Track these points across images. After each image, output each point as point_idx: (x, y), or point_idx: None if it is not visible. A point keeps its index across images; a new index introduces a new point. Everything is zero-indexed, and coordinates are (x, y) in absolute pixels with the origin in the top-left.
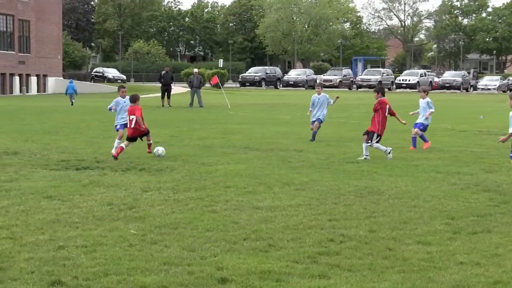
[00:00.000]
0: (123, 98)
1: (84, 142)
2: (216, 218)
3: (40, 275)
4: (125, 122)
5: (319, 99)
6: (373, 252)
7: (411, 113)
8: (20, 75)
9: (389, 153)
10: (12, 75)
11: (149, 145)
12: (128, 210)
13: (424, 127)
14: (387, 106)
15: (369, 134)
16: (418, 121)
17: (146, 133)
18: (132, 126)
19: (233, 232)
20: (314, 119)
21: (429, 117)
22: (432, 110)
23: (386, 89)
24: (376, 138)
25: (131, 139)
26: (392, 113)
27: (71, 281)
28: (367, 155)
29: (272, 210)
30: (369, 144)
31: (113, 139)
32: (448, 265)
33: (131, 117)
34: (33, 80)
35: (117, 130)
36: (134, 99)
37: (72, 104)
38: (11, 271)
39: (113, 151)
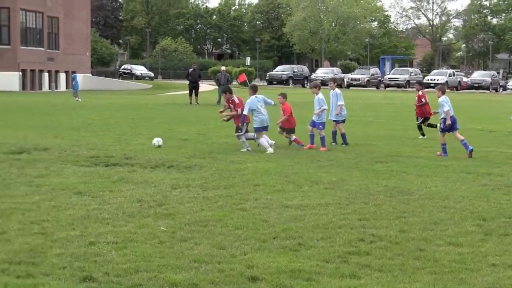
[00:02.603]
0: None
1: (113, 139)
2: (245, 216)
3: (71, 270)
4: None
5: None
6: (404, 252)
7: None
8: (49, 72)
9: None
10: (41, 71)
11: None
12: (157, 207)
13: (315, 124)
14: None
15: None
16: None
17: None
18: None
19: (263, 230)
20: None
21: (321, 114)
22: (324, 107)
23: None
24: (239, 130)
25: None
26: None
27: (102, 277)
28: (247, 147)
29: (302, 208)
30: (239, 135)
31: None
32: (480, 267)
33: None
34: (62, 76)
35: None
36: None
37: (78, 100)
38: (43, 266)
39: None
